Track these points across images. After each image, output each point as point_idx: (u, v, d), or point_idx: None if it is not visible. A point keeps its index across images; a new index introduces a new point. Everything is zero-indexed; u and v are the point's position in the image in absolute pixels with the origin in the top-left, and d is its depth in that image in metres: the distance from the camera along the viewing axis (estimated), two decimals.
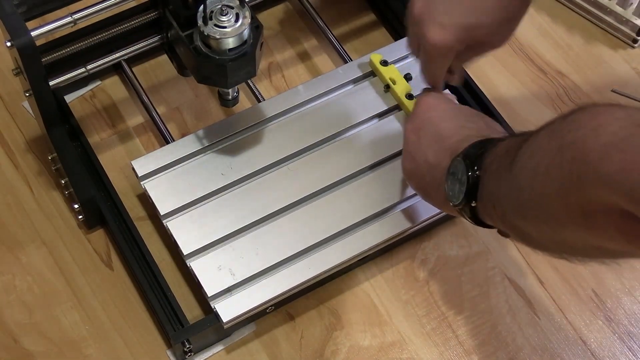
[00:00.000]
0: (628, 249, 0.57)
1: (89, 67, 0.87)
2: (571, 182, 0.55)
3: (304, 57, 0.99)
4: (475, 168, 0.66)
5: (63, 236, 0.87)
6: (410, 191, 0.83)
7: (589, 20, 1.04)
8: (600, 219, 0.55)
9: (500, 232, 0.73)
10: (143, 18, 0.86)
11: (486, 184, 0.65)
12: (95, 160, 0.87)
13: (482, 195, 0.66)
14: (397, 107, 0.88)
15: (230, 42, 0.75)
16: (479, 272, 0.87)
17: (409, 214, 0.83)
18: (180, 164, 0.84)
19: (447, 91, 0.88)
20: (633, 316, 0.85)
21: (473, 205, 0.67)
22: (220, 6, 0.75)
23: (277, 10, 1.02)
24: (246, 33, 0.76)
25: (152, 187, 0.82)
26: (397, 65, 0.90)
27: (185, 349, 0.78)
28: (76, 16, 0.78)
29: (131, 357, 0.81)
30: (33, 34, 0.74)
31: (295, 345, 0.82)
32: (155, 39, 0.88)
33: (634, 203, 0.50)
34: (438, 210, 0.83)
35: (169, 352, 0.81)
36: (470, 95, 0.92)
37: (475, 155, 0.66)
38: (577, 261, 0.64)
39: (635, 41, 1.01)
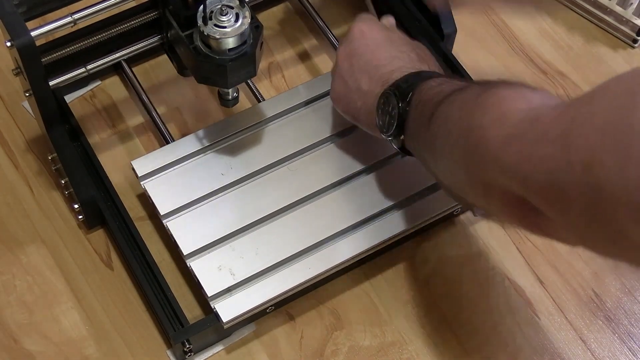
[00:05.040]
0: (518, 226, 0.64)
1: (89, 67, 0.87)
2: (474, 161, 0.60)
3: (304, 57, 0.99)
4: (405, 105, 0.70)
5: (63, 236, 0.87)
6: (410, 191, 0.83)
7: (589, 20, 1.04)
8: (498, 196, 0.59)
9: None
10: (143, 18, 0.86)
11: (411, 124, 0.70)
12: (95, 160, 0.87)
13: (408, 131, 0.71)
14: None
15: (230, 42, 0.75)
16: (479, 272, 0.87)
17: (409, 214, 0.83)
18: (180, 164, 0.84)
19: (391, 18, 0.88)
20: (633, 316, 0.85)
21: (401, 138, 0.72)
22: (220, 6, 0.75)
23: (277, 10, 1.02)
24: (246, 33, 0.76)
25: (152, 187, 0.82)
26: None
27: (185, 349, 0.78)
28: (76, 16, 0.78)
29: (131, 357, 0.81)
30: (33, 34, 0.74)
31: (295, 345, 0.82)
32: (155, 39, 0.88)
33: (526, 190, 0.55)
34: (438, 211, 0.83)
35: (169, 352, 0.81)
36: None
37: (404, 91, 0.70)
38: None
39: (635, 41, 1.01)
